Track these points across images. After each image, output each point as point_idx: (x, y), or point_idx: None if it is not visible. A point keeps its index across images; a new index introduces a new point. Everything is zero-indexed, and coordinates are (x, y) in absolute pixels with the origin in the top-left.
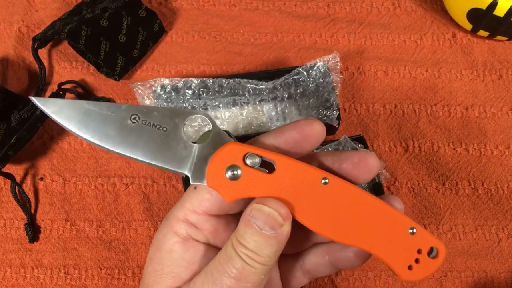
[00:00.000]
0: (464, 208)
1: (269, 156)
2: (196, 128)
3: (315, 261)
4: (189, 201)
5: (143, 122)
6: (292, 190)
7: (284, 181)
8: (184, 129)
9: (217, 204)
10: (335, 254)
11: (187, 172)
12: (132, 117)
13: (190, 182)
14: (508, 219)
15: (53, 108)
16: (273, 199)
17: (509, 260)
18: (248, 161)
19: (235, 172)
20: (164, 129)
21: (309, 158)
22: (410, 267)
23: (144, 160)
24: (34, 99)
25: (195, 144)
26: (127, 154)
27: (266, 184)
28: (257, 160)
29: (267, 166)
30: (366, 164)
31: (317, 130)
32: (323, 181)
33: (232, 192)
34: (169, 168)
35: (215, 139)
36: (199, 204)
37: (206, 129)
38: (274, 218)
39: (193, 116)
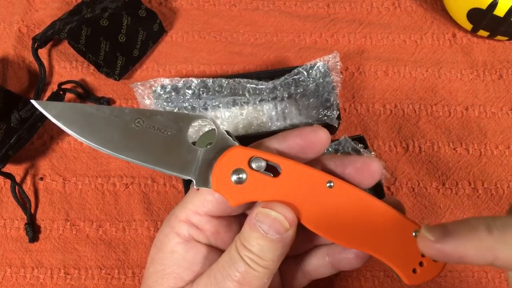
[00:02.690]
0: (464, 208)
1: (274, 159)
2: (197, 129)
3: (315, 262)
4: (191, 202)
5: (147, 126)
6: (297, 194)
7: (289, 184)
8: (189, 133)
9: (219, 205)
10: (335, 256)
11: (191, 176)
12: (136, 121)
13: (195, 186)
14: None
15: (55, 112)
16: (279, 203)
17: None
18: (253, 165)
19: (241, 176)
20: (169, 133)
21: (313, 162)
22: (414, 271)
23: (148, 165)
24: (35, 103)
25: (200, 148)
26: (131, 159)
27: (271, 187)
28: (263, 163)
29: (272, 170)
30: (369, 170)
31: (322, 138)
32: (327, 184)
33: (237, 196)
34: (173, 173)
35: (219, 143)
36: (201, 205)
37: (208, 131)
38: (280, 223)
39: (198, 120)
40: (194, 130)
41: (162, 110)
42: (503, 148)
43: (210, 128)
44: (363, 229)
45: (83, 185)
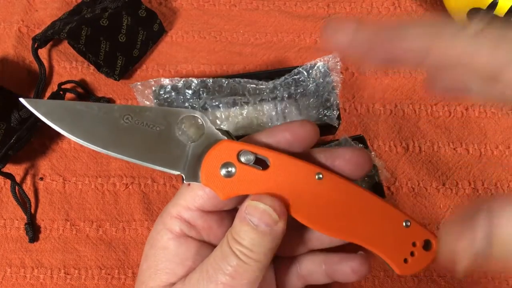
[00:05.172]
0: None
1: (263, 152)
2: (189, 126)
3: (311, 267)
4: (182, 198)
5: (136, 122)
6: (286, 186)
7: (278, 177)
8: (177, 128)
9: (210, 200)
10: (332, 265)
11: (180, 172)
12: (125, 118)
13: (184, 181)
14: None
15: (44, 110)
16: (268, 196)
17: None
18: (242, 158)
19: (230, 169)
20: (157, 128)
21: (302, 155)
22: (405, 261)
23: (137, 161)
24: (24, 101)
25: (189, 143)
26: (120, 155)
27: (260, 180)
28: (251, 157)
29: (261, 163)
30: (358, 161)
31: (310, 132)
32: (317, 176)
33: (227, 189)
34: (162, 168)
35: (208, 137)
36: (193, 200)
37: (199, 127)
38: (269, 215)
39: (186, 115)
40: (187, 128)
41: (152, 106)
42: (503, 148)
43: (201, 126)
44: (353, 220)
45: (83, 185)
